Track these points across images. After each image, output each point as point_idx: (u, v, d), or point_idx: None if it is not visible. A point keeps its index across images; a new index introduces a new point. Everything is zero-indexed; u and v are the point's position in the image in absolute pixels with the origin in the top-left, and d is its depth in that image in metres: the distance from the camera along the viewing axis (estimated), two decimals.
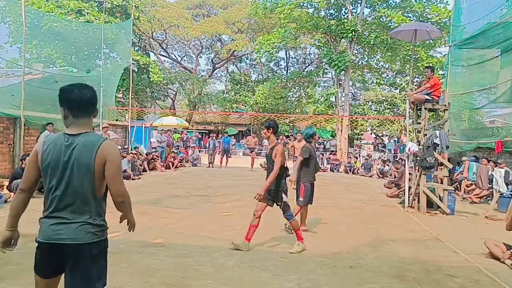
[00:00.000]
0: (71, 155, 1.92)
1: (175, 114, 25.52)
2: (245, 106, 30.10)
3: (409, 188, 7.81)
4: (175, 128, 20.80)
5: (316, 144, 21.43)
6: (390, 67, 22.81)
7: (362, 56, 22.76)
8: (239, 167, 15.49)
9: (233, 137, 30.03)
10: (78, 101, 2.00)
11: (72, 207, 1.93)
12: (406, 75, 22.27)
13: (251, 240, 4.49)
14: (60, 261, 1.92)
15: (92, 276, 1.92)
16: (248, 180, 11.77)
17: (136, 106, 24.59)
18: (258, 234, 5.33)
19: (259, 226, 4.50)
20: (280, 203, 4.45)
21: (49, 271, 1.96)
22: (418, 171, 7.55)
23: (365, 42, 19.19)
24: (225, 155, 16.14)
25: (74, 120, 1.99)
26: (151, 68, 22.76)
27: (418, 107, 8.00)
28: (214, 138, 18.11)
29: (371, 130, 27.84)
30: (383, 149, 21.28)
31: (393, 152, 19.23)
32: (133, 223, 2.26)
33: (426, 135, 7.58)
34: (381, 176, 14.30)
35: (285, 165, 4.49)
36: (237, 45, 28.43)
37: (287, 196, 4.51)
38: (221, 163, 16.11)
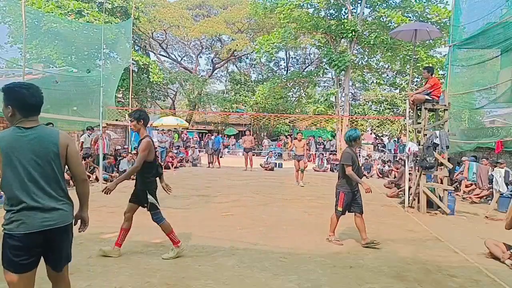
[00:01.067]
0: (35, 144, 2.05)
1: (175, 114, 25.51)
2: (245, 106, 30.09)
3: (409, 188, 7.81)
4: (175, 128, 20.79)
5: (316, 145, 21.55)
6: (390, 67, 22.79)
7: (362, 56, 22.74)
8: (239, 167, 15.49)
9: (233, 137, 30.10)
10: (35, 105, 2.13)
11: (49, 194, 2.08)
12: (406, 75, 22.25)
13: (122, 246, 4.15)
14: (42, 247, 2.08)
15: (71, 242, 2.27)
16: (247, 180, 11.77)
17: (136, 106, 24.57)
18: (258, 234, 5.34)
19: (130, 230, 4.16)
20: (146, 205, 3.99)
21: (33, 262, 2.05)
22: (418, 171, 7.55)
23: (365, 42, 19.17)
24: (216, 155, 16.22)
25: (24, 118, 2.09)
26: (151, 68, 22.75)
27: (418, 107, 8.00)
28: (211, 138, 18.11)
29: (371, 130, 27.80)
30: (383, 149, 21.27)
31: (393, 152, 19.22)
32: (87, 217, 2.41)
33: (426, 135, 7.57)
34: (381, 176, 14.30)
35: (155, 162, 4.08)
36: (237, 45, 28.42)
37: (155, 197, 4.05)
38: (213, 162, 16.16)
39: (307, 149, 13.87)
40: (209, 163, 16.15)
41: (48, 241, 2.08)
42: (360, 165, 5.32)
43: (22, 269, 2.00)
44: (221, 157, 16.77)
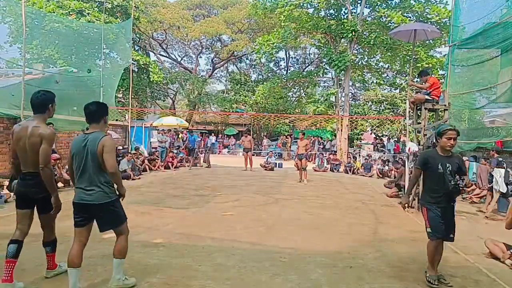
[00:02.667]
0: (86, 145, 3.04)
1: (175, 114, 25.51)
2: (245, 106, 30.07)
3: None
4: (175, 128, 20.79)
5: (316, 144, 21.53)
6: (390, 67, 22.77)
7: (362, 56, 22.72)
8: (239, 167, 15.49)
9: (232, 137, 30.09)
10: (90, 113, 3.17)
11: (90, 179, 3.03)
12: (406, 75, 22.24)
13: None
14: (87, 215, 3.08)
15: (116, 214, 3.18)
16: (247, 180, 11.78)
17: (136, 106, 24.58)
18: (258, 234, 5.35)
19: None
20: None
21: (81, 222, 3.09)
22: None
23: (365, 42, 19.16)
24: (191, 155, 15.80)
25: (89, 125, 3.19)
26: (151, 68, 22.74)
27: (418, 107, 8.00)
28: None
29: (371, 130, 27.81)
30: (383, 149, 21.27)
31: (392, 152, 19.21)
32: (123, 192, 3.28)
33: (426, 135, 7.57)
34: (381, 176, 14.29)
35: None
36: (237, 45, 28.39)
37: None
38: (190, 162, 15.75)
39: (309, 149, 13.81)
40: (208, 163, 16.10)
41: (92, 213, 3.07)
42: (449, 171, 3.68)
43: (77, 225, 3.10)
44: (196, 157, 15.98)
